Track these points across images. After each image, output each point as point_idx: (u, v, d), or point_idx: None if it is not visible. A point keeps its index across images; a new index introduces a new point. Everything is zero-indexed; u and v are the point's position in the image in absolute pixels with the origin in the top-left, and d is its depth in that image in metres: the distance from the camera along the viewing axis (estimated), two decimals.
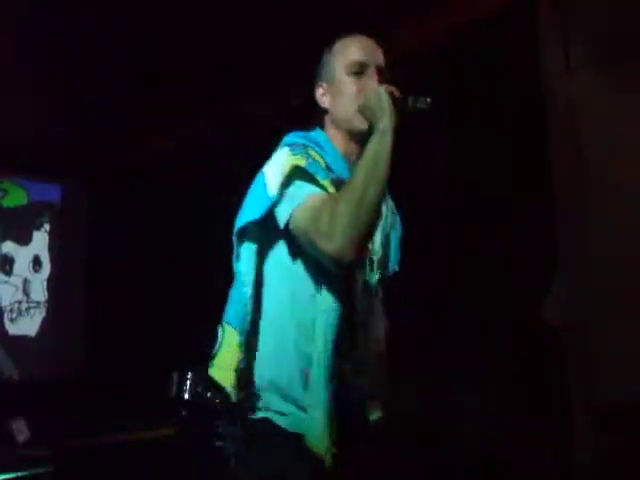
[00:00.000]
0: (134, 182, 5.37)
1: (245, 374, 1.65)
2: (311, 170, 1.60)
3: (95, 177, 5.60)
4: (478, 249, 3.45)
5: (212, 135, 4.67)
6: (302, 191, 1.58)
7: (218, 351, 1.70)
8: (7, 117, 4.60)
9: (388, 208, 1.81)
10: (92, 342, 5.50)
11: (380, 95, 1.61)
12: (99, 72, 4.21)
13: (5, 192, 5.39)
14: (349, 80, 1.71)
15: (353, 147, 1.72)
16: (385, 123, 1.57)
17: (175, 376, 4.35)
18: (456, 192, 3.56)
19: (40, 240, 5.55)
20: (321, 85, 1.77)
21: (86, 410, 4.73)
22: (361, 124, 1.66)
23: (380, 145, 1.55)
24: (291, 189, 1.59)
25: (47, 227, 5.60)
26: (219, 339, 1.71)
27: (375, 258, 1.75)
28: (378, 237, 1.76)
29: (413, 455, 3.39)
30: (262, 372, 1.64)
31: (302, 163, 1.61)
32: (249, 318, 1.67)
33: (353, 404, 1.67)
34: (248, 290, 1.67)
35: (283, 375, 1.62)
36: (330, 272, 1.58)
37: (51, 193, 5.64)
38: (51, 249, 5.59)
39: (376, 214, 1.53)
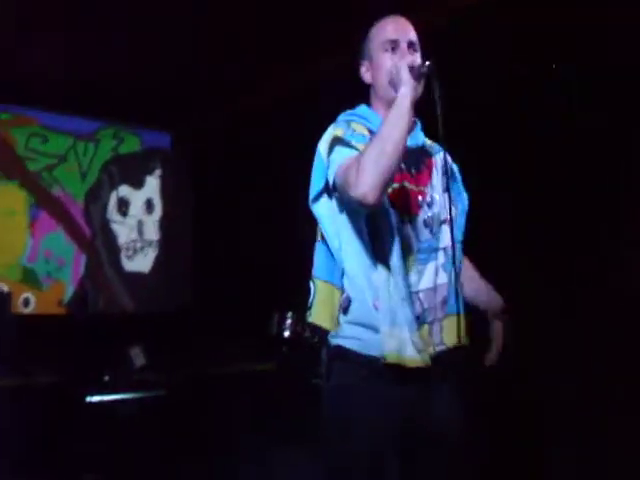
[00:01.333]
0: (242, 129, 5.43)
1: (336, 317, 1.93)
2: (347, 138, 1.89)
3: (203, 124, 5.72)
4: None
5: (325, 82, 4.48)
6: (340, 155, 1.86)
7: (312, 303, 1.98)
8: (121, 69, 4.86)
9: (445, 160, 2.02)
10: (199, 278, 5.73)
11: (399, 69, 1.86)
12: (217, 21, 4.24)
13: (121, 140, 5.69)
14: (384, 56, 1.97)
15: None
16: (403, 90, 1.82)
17: (276, 315, 4.60)
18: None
19: (152, 184, 5.84)
20: (363, 63, 2.03)
21: (194, 341, 5.03)
22: (393, 93, 1.89)
23: (398, 109, 1.79)
24: (332, 155, 1.88)
25: (158, 172, 5.88)
26: (312, 292, 1.99)
27: (434, 198, 2.00)
28: (437, 182, 2.02)
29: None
30: (348, 309, 1.91)
31: (340, 133, 1.91)
32: (336, 269, 1.95)
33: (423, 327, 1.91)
34: (333, 244, 1.95)
35: (364, 308, 1.88)
36: (387, 217, 1.87)
37: (162, 140, 5.91)
38: (162, 192, 5.89)
39: (395, 163, 1.75)
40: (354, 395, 1.87)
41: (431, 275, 1.96)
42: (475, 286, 2.13)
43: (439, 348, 1.93)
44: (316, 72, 4.67)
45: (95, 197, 5.53)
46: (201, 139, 5.86)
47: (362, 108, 2.06)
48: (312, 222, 2.04)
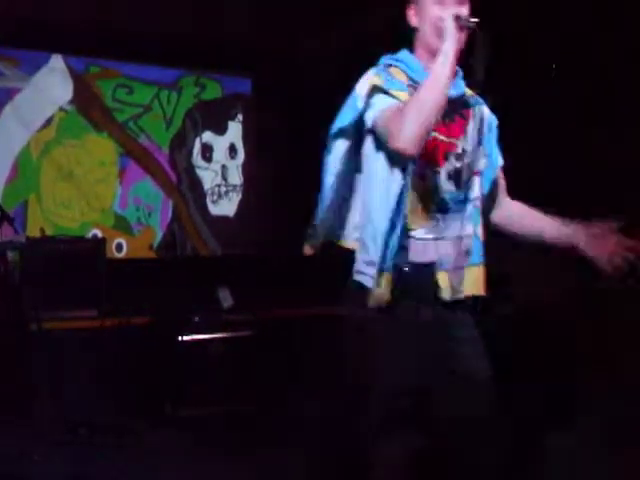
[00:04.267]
0: (320, 76, 5.46)
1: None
2: (386, 86, 1.93)
3: (282, 69, 5.72)
4: None
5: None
6: (379, 101, 1.92)
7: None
8: (201, 17, 4.93)
9: (482, 113, 2.08)
10: (281, 222, 5.73)
11: (445, 21, 1.88)
12: None
13: (203, 87, 5.79)
14: (432, 5, 1.97)
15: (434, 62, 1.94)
16: (447, 46, 1.85)
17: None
18: None
19: (234, 130, 5.94)
20: (412, 7, 2.04)
21: (277, 284, 5.12)
22: (437, 44, 1.91)
23: (441, 65, 1.84)
24: (373, 100, 1.93)
25: (240, 117, 5.97)
26: None
27: (465, 150, 2.03)
28: (472, 133, 2.05)
29: None
30: (363, 249, 2.01)
31: (379, 82, 1.94)
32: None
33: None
34: (328, 180, 2.05)
35: (371, 246, 1.98)
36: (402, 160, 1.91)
37: (243, 85, 5.98)
38: (244, 137, 5.98)
39: (434, 118, 1.81)
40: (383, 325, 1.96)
41: (456, 225, 2.01)
42: (541, 224, 2.12)
43: (457, 296, 1.99)
44: None
45: (179, 144, 5.68)
46: (282, 82, 5.84)
47: (404, 53, 2.07)
48: None
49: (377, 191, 1.98)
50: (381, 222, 1.95)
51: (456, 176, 2.01)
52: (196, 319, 4.56)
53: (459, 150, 2.02)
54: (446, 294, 1.98)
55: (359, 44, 4.93)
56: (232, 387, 4.29)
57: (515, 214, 2.17)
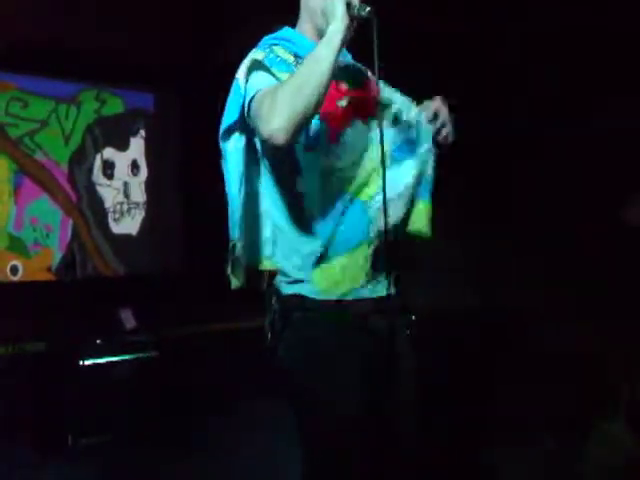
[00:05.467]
0: (226, 87, 5.44)
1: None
2: (268, 63, 1.74)
3: (187, 84, 5.64)
4: None
5: None
6: (258, 80, 1.72)
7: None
8: (103, 30, 4.79)
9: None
10: (188, 240, 5.76)
11: (334, 1, 1.68)
12: None
13: (103, 102, 5.62)
14: None
15: None
16: (334, 27, 1.65)
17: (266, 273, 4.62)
18: None
19: (137, 145, 5.79)
20: None
21: (183, 302, 5.05)
22: (323, 24, 1.75)
23: (325, 46, 1.62)
24: (250, 81, 1.73)
25: (143, 133, 5.83)
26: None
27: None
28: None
29: None
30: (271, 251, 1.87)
31: (260, 57, 1.76)
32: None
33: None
34: (231, 189, 1.83)
35: (286, 254, 1.84)
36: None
37: (145, 101, 5.85)
38: (147, 154, 5.83)
39: (313, 105, 1.59)
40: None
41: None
42: None
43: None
44: None
45: (79, 161, 5.49)
46: (185, 97, 5.79)
47: (286, 30, 1.91)
48: None
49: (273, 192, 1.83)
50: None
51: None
52: (98, 342, 4.43)
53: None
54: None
55: None
56: (137, 411, 4.19)
57: None
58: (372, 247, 1.83)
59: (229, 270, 1.85)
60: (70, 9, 4.45)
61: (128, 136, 5.77)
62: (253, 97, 1.69)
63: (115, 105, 5.71)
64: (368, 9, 1.68)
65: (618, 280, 3.43)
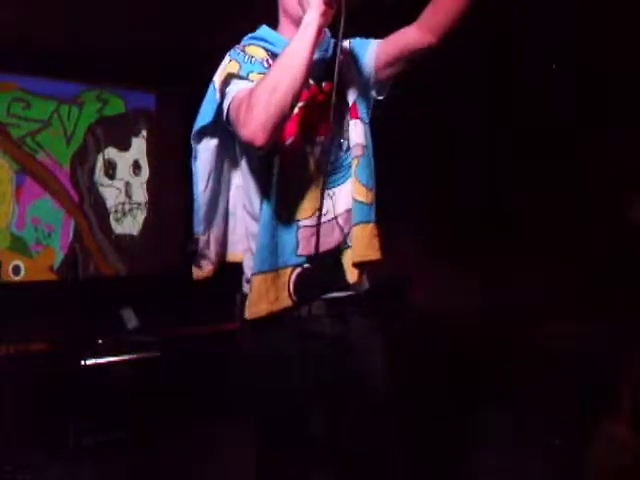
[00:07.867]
0: None
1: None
2: (244, 72, 1.74)
3: (188, 84, 5.65)
4: None
5: None
6: (233, 88, 1.73)
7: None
8: (105, 30, 4.77)
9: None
10: (189, 240, 5.78)
11: None
12: None
13: (105, 102, 5.62)
14: None
15: None
16: (310, 16, 1.59)
17: None
18: None
19: (138, 146, 5.79)
20: None
21: (185, 302, 4.97)
22: (299, 13, 1.70)
23: (300, 39, 1.59)
24: (229, 87, 1.74)
25: (144, 133, 5.83)
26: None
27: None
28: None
29: None
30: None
31: (235, 69, 1.75)
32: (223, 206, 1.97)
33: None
34: (199, 187, 1.93)
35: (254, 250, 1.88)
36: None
37: (147, 101, 5.85)
38: (149, 154, 5.84)
39: (290, 102, 1.57)
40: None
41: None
42: None
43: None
44: None
45: (81, 161, 5.49)
46: (187, 98, 5.78)
47: (263, 30, 1.88)
48: None
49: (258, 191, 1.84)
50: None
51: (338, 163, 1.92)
52: (99, 341, 4.45)
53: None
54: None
55: None
56: (138, 410, 4.20)
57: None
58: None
59: (192, 262, 2.00)
60: (71, 9, 4.43)
61: (130, 136, 5.77)
62: (230, 104, 1.72)
63: (117, 105, 5.71)
64: None
65: (618, 280, 3.43)
